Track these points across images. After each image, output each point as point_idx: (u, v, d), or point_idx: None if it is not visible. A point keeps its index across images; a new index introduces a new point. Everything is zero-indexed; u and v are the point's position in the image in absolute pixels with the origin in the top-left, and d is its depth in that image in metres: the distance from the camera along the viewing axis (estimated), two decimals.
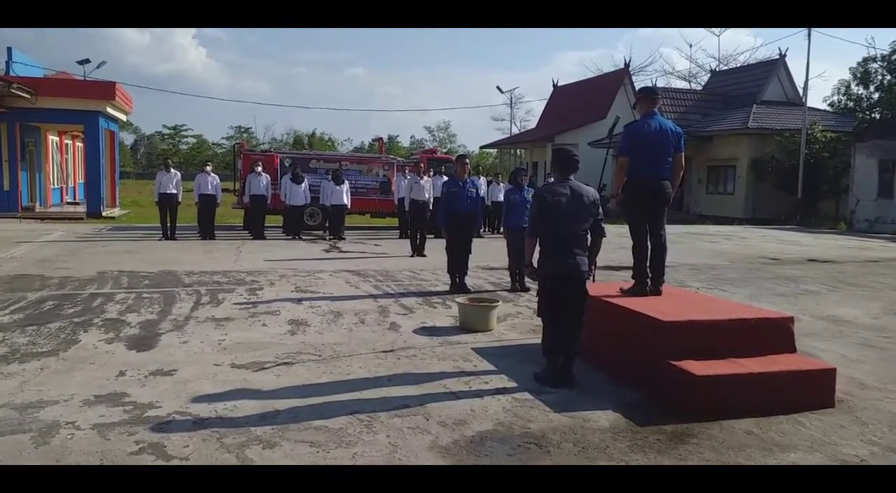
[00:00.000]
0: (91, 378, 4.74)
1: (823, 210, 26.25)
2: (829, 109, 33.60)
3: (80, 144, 26.86)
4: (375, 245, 14.55)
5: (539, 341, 6.07)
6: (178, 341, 5.87)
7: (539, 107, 52.37)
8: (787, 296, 8.80)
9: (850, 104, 33.97)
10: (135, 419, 3.97)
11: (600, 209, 4.87)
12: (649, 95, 5.76)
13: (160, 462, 3.40)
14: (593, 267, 5.00)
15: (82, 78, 30.58)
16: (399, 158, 20.95)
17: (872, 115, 31.62)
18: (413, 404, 4.32)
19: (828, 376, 4.48)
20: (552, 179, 4.95)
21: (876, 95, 32.92)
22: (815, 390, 4.40)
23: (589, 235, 4.87)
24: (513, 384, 4.80)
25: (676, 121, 30.52)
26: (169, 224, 14.51)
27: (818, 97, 73.83)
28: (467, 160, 9.49)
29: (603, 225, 4.94)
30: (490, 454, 3.62)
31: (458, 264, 8.67)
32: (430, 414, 4.17)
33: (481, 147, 55.50)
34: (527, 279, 8.74)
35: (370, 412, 4.16)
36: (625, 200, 5.60)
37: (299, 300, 7.81)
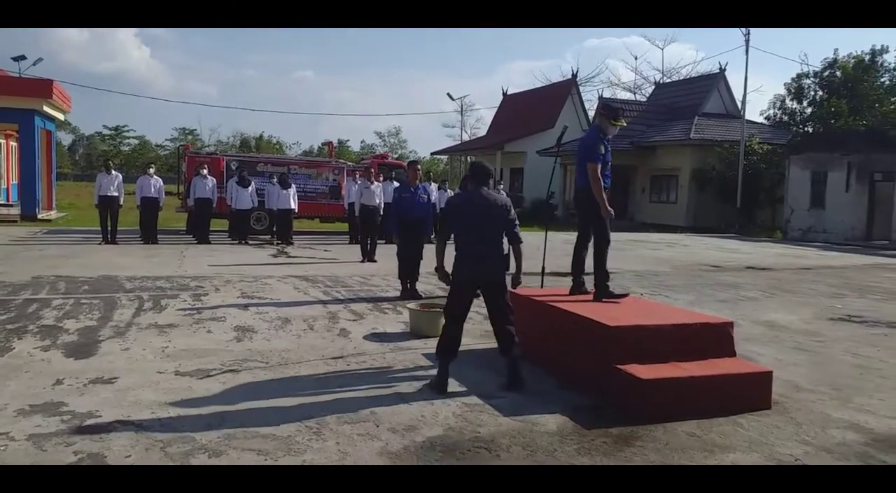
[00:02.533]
0: (26, 387, 4.55)
1: (761, 219, 27.24)
2: (765, 122, 34.96)
3: (14, 144, 25.75)
4: (325, 250, 14.41)
5: (489, 345, 6.14)
6: (119, 348, 5.69)
7: (489, 115, 52.79)
8: (727, 302, 9.10)
9: (785, 118, 35.43)
10: (73, 429, 3.83)
11: (515, 217, 5.01)
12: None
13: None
14: (542, 273, 5.10)
15: (17, 75, 29.38)
16: (349, 163, 20.84)
17: (805, 128, 33.05)
18: (363, 411, 4.30)
19: (765, 379, 4.65)
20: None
21: (809, 110, 34.45)
22: (753, 392, 4.56)
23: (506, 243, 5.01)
24: (463, 389, 4.82)
25: (621, 131, 31.24)
26: (109, 228, 14.06)
27: (755, 110, 76.79)
28: (419, 166, 9.50)
29: (518, 232, 5.01)
30: (440, 459, 3.62)
31: (409, 269, 8.66)
32: (381, 420, 4.15)
33: (432, 153, 55.70)
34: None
35: (319, 419, 4.12)
36: None
37: (246, 306, 7.67)
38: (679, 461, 3.68)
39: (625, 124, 5.95)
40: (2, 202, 25.77)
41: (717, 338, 4.87)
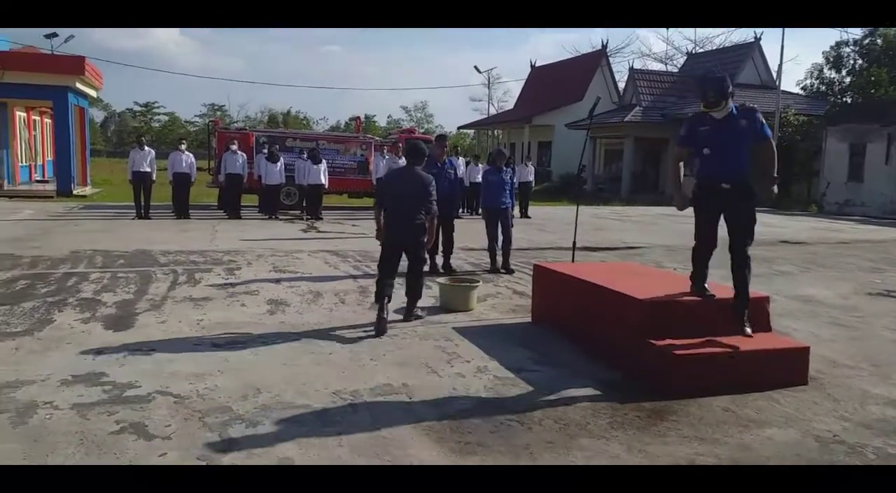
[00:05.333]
0: (68, 358, 4.67)
1: (795, 193, 26.66)
2: (801, 92, 34.00)
3: (48, 121, 26.21)
4: (353, 225, 14.48)
5: (519, 320, 6.17)
6: (155, 320, 5.81)
7: (516, 88, 52.13)
8: (761, 277, 8.91)
9: (823, 88, 34.37)
10: (114, 399, 3.93)
11: (433, 193, 5.84)
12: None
13: (141, 441, 3.38)
14: (573, 247, 5.05)
15: (50, 52, 29.76)
16: (377, 138, 20.81)
17: (844, 99, 32.07)
18: (395, 383, 4.34)
19: (802, 354, 4.58)
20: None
21: (847, 80, 33.35)
22: (789, 368, 4.49)
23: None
24: (494, 363, 4.83)
25: (652, 102, 30.73)
26: (143, 203, 14.29)
27: (791, 81, 74.67)
28: (447, 141, 9.42)
29: (432, 207, 5.85)
30: (473, 431, 3.64)
31: (438, 244, 8.60)
32: (413, 393, 4.18)
33: (459, 128, 55.38)
34: (507, 262, 8.76)
35: (353, 391, 4.17)
36: None
37: (278, 280, 7.76)
38: (714, 435, 3.66)
39: (710, 111, 4.72)
40: (38, 179, 26.35)
41: (752, 312, 4.79)
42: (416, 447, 3.41)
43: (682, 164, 5.07)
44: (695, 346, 4.43)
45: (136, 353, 4.83)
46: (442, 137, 9.47)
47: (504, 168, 8.93)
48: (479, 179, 16.74)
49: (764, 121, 4.74)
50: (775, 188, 4.94)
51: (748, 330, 4.60)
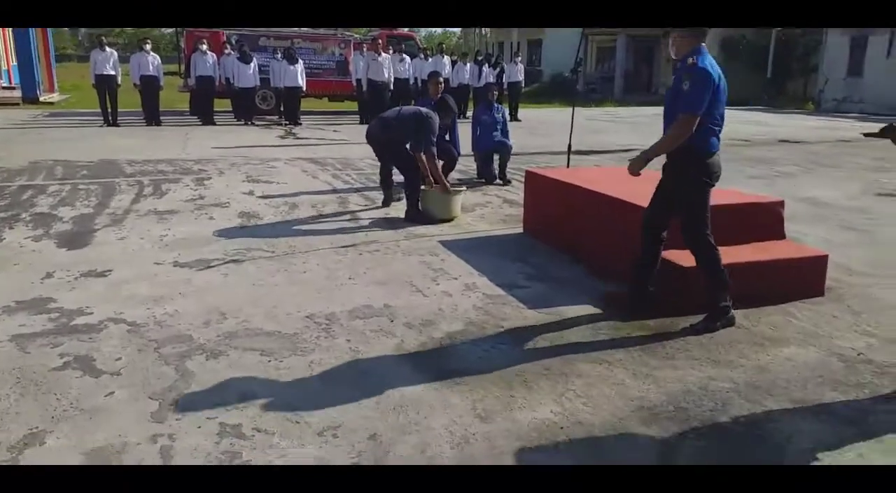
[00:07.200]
0: (13, 281, 4.22)
1: (791, 90, 25.84)
2: None
3: None
4: (334, 131, 13.76)
5: (509, 231, 5.77)
6: (115, 237, 5.34)
7: None
8: (762, 178, 8.50)
9: None
10: (60, 328, 3.52)
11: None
12: None
13: (87, 378, 2.98)
14: (568, 151, 4.55)
15: None
16: (356, 36, 19.62)
17: None
18: (376, 305, 3.94)
19: (819, 263, 4.20)
20: None
21: None
22: (805, 278, 4.12)
23: None
24: (483, 280, 4.43)
25: None
26: (109, 109, 13.43)
27: None
28: (441, 78, 7.57)
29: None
30: (461, 357, 3.28)
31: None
32: (395, 315, 3.79)
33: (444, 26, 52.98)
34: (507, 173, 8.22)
35: (329, 314, 3.77)
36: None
37: (251, 191, 7.24)
38: (727, 356, 3.31)
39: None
40: (4, 85, 24.96)
41: (766, 219, 4.38)
42: (396, 378, 3.04)
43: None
44: None
45: (89, 275, 4.39)
46: (435, 74, 7.73)
47: (496, 105, 8.10)
48: (467, 80, 15.97)
49: (692, 84, 3.65)
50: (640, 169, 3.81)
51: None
